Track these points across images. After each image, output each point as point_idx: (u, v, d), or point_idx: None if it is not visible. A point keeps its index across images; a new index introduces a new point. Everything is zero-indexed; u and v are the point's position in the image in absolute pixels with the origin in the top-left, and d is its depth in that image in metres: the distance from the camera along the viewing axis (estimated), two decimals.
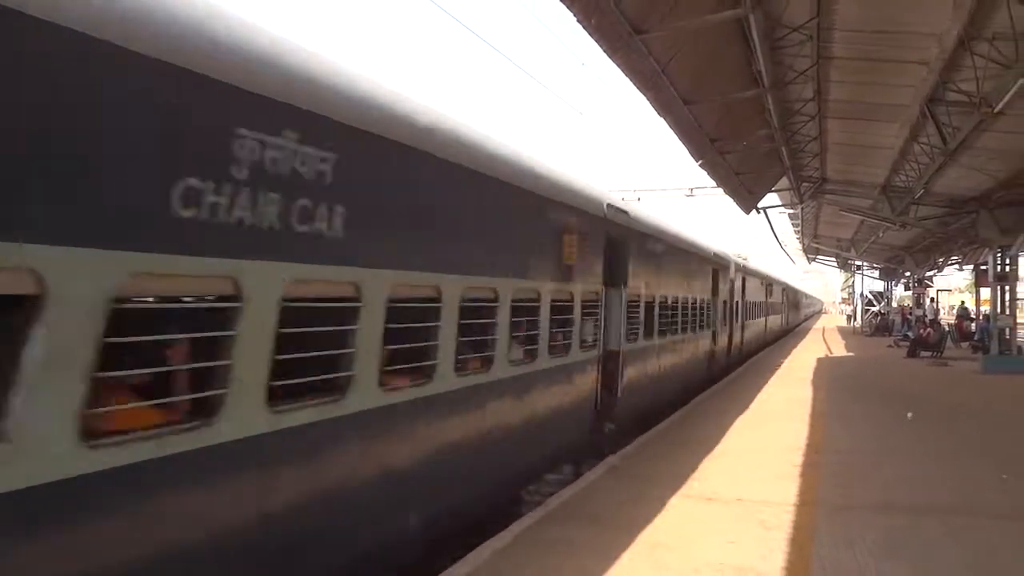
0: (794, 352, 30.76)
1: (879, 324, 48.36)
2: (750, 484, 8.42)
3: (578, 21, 9.84)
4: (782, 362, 25.46)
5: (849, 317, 65.39)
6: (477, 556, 5.84)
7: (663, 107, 14.44)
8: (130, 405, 3.49)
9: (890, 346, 34.86)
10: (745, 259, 27.71)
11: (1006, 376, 21.10)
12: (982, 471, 9.30)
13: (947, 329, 33.85)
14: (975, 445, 11.15)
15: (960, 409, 15.05)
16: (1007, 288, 23.90)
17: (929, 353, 28.27)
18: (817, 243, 48.54)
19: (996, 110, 12.74)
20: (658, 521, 6.93)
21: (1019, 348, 23.93)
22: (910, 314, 43.01)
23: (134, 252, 3.27)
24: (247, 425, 3.90)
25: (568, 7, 9.50)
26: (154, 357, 3.68)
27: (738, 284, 22.70)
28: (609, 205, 10.24)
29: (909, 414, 11.30)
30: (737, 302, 22.59)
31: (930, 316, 38.05)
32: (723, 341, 20.44)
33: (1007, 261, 23.81)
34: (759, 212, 30.02)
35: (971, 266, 36.96)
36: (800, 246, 51.52)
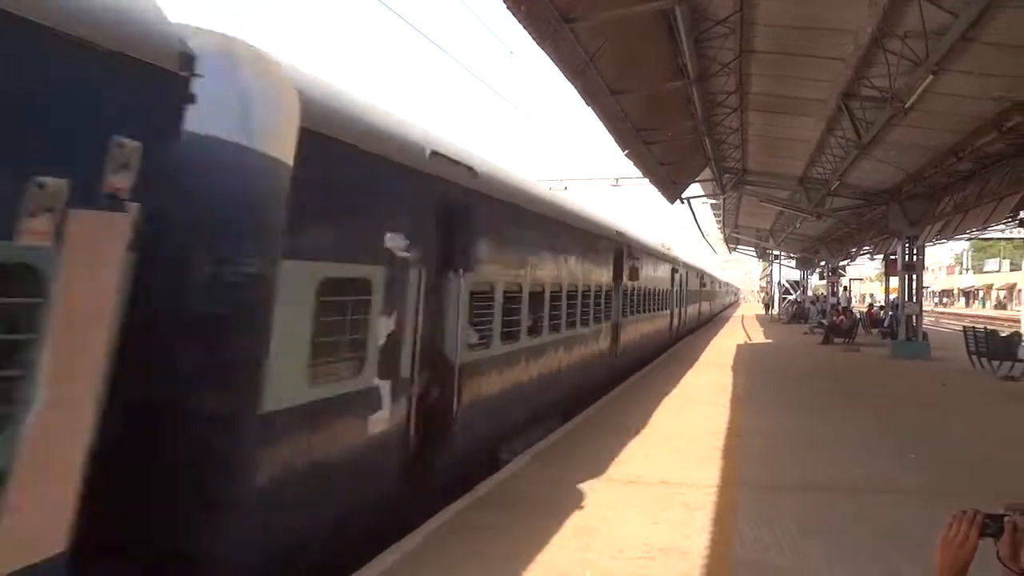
0: (714, 340, 31.52)
1: (795, 312, 50.01)
2: (673, 467, 8.60)
3: (507, 7, 9.79)
4: (703, 349, 26.06)
5: (767, 305, 67.38)
6: (406, 543, 5.80)
7: (590, 96, 14.53)
8: None
9: (806, 333, 36.08)
10: (669, 248, 28.19)
11: (912, 361, 22.13)
12: (890, 450, 9.73)
13: (859, 317, 35.26)
14: (884, 426, 11.65)
15: (870, 392, 15.71)
16: (914, 277, 25.00)
17: (842, 339, 29.40)
18: (738, 233, 49.85)
19: (907, 105, 13.29)
20: (583, 505, 7.01)
21: (924, 334, 25.06)
22: (815, 302, 44.72)
23: None
24: None
25: None
26: None
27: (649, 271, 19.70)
28: (436, 153, 6.82)
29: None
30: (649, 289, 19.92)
31: (843, 304, 39.56)
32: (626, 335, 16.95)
33: (915, 251, 24.89)
34: (683, 202, 30.64)
35: (881, 255, 38.50)
36: (722, 236, 52.80)
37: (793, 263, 58.81)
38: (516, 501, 7.10)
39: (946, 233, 27.84)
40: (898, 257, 25.51)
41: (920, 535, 6.10)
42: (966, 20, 10.44)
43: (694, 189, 30.72)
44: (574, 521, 6.50)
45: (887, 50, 12.44)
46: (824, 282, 50.30)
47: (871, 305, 43.93)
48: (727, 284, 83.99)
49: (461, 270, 7.30)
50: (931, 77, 12.00)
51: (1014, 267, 78.63)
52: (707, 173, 26.70)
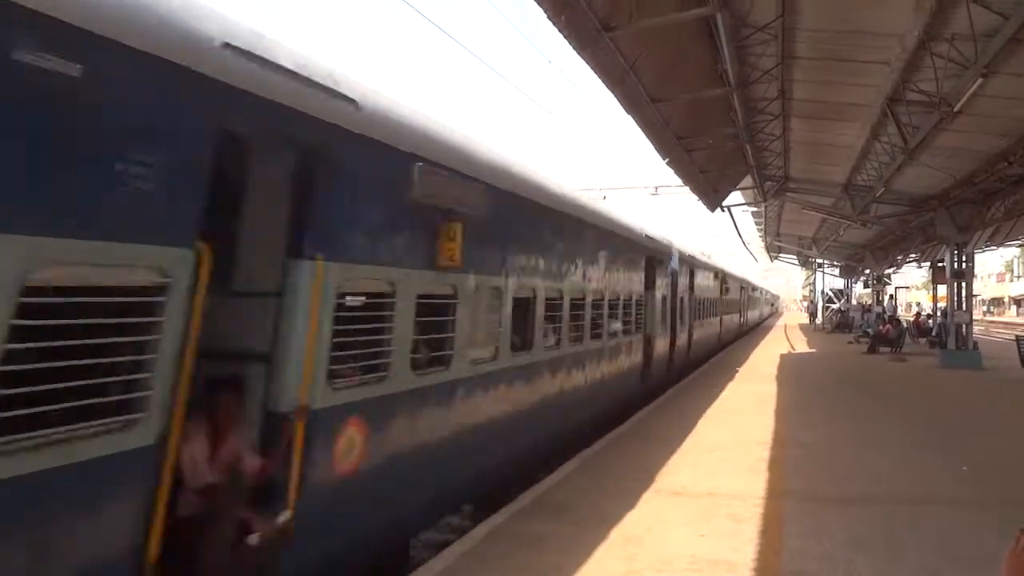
0: (757, 349, 31.12)
1: (839, 321, 49.15)
2: (718, 477, 8.50)
3: (548, 18, 9.84)
4: (746, 358, 25.75)
5: (811, 315, 66.11)
6: (452, 551, 5.82)
7: (631, 105, 14.51)
8: None
9: (850, 342, 35.43)
10: (709, 256, 27.93)
11: (962, 371, 21.59)
12: (941, 462, 9.51)
13: (905, 326, 34.54)
14: (935, 437, 11.38)
15: (919, 403, 15.36)
16: (963, 284, 24.42)
17: (888, 349, 28.81)
18: (779, 241, 49.20)
19: (955, 109, 13.04)
20: (629, 515, 6.96)
21: (975, 344, 24.44)
22: (868, 310, 43.86)
23: None
24: None
25: (538, 2, 9.50)
26: None
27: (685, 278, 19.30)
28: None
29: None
30: (683, 298, 19.02)
31: (889, 312, 38.79)
32: (661, 346, 16.15)
33: (963, 258, 24.31)
34: (723, 210, 30.33)
35: (928, 263, 37.70)
36: (763, 244, 52.15)
37: (836, 271, 57.85)
38: (562, 510, 7.08)
39: (996, 239, 27.27)
40: (946, 264, 24.94)
41: (974, 548, 6.04)
42: (1016, 21, 10.23)
43: (735, 197, 30.42)
44: (620, 531, 6.46)
45: (934, 53, 12.22)
46: (868, 290, 49.37)
47: (918, 314, 43.02)
48: (764, 291, 73.79)
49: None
50: (981, 80, 11.76)
51: None
52: (748, 181, 26.45)
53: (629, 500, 7.45)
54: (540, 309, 8.58)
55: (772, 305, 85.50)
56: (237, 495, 4.27)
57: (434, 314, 6.21)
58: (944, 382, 19.44)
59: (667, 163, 19.36)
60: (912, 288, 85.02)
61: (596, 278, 10.77)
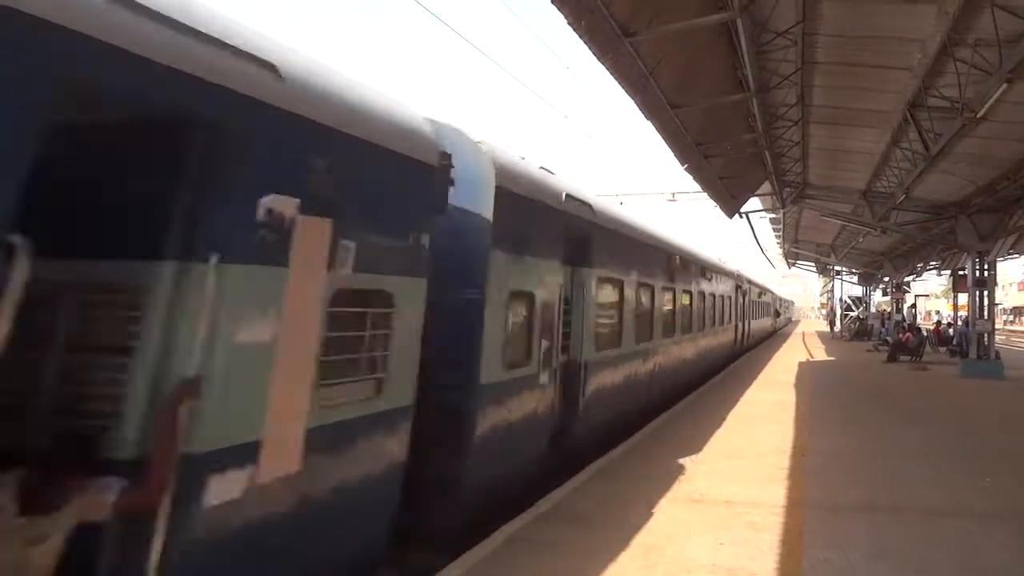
0: (775, 357, 30.92)
1: (858, 329, 48.72)
2: (737, 485, 8.43)
3: (568, 23, 9.82)
4: (764, 366, 25.58)
5: (831, 323, 65.32)
6: (470, 557, 5.80)
7: (650, 111, 14.46)
8: None
9: (869, 350, 35.14)
10: (725, 262, 27.73)
11: (984, 380, 21.33)
12: (964, 473, 9.37)
13: (926, 334, 34.20)
14: (957, 448, 11.22)
15: (941, 413, 15.17)
16: (985, 293, 24.12)
17: (908, 357, 28.53)
18: (797, 248, 48.82)
19: (978, 116, 12.88)
20: (647, 523, 6.92)
21: (997, 353, 24.13)
22: (888, 318, 43.48)
23: None
24: None
25: (558, 8, 9.49)
26: None
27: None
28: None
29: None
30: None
31: (908, 321, 38.44)
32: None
33: (985, 266, 24.02)
34: (741, 216, 30.17)
35: (949, 271, 37.29)
36: (780, 251, 51.81)
37: (855, 279, 57.32)
38: (580, 518, 7.05)
39: (1019, 247, 26.93)
40: (968, 273, 24.65)
41: (998, 560, 5.95)
42: None
43: (753, 203, 30.29)
44: (639, 539, 6.41)
45: (957, 59, 12.10)
46: (887, 298, 48.93)
47: (938, 323, 42.60)
48: (769, 294, 57.91)
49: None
50: (1005, 86, 11.62)
51: None
52: (767, 187, 26.30)
53: (647, 507, 7.40)
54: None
55: (777, 313, 73.13)
56: None
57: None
58: (965, 391, 19.21)
59: (686, 169, 19.28)
60: (932, 296, 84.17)
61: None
